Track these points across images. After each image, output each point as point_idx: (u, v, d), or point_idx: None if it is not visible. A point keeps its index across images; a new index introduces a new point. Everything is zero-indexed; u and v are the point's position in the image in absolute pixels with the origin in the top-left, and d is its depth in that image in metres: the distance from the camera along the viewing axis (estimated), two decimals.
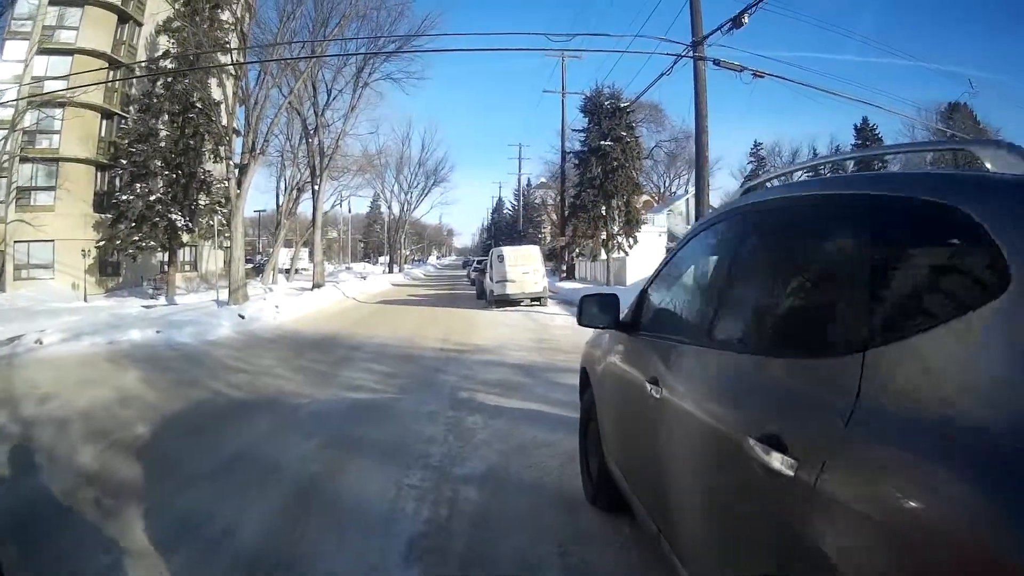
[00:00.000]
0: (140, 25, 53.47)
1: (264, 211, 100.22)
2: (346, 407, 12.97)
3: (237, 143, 42.70)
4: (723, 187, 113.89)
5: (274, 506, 7.59)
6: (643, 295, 6.37)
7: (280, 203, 70.88)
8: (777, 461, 2.89)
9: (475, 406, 12.74)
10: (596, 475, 7.30)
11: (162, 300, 43.27)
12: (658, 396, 4.71)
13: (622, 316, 6.51)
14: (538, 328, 27.61)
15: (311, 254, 63.05)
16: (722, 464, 3.60)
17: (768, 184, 4.91)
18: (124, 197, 45.88)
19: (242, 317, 28.92)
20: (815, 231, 3.60)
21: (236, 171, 39.92)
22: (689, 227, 5.66)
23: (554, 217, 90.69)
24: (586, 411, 8.02)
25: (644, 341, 5.82)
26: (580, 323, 6.71)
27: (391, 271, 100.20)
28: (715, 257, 4.83)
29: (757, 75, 26.59)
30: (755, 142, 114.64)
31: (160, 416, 12.35)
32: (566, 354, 18.99)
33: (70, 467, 9.23)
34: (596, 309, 6.60)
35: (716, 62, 26.95)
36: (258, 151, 40.79)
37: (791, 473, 2.79)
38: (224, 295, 38.80)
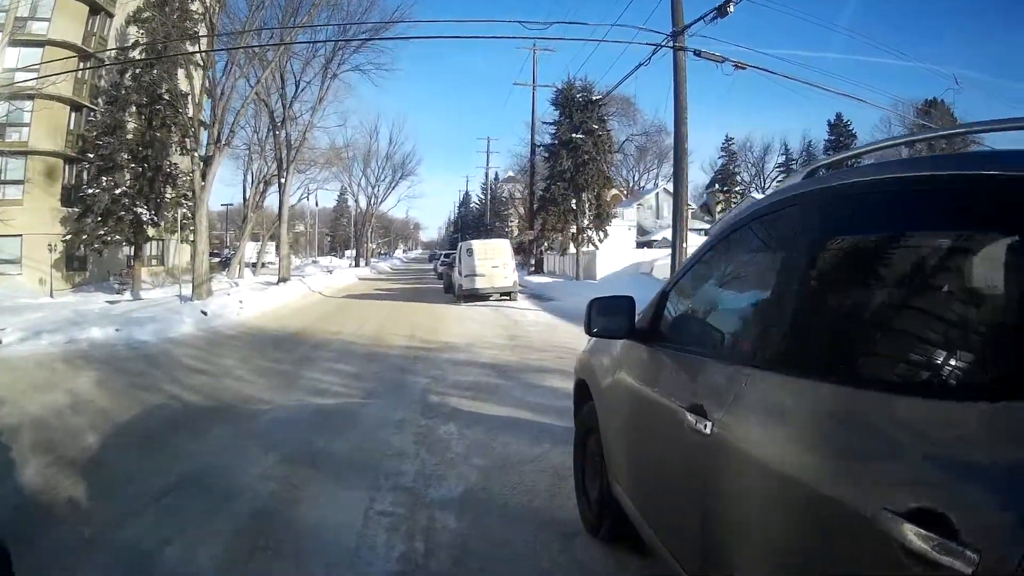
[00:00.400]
0: (111, 16, 52.20)
1: (231, 205, 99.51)
2: (309, 414, 12.00)
3: (204, 136, 41.92)
4: (693, 181, 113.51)
5: (226, 540, 6.58)
6: (663, 298, 5.38)
7: (247, 196, 69.98)
8: (935, 547, 2.04)
9: (448, 412, 11.82)
10: (597, 502, 6.33)
11: (127, 295, 42.16)
12: (706, 431, 3.68)
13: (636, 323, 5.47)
14: (509, 324, 26.76)
15: (277, 248, 62.03)
16: (830, 538, 2.61)
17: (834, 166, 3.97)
18: (90, 191, 44.65)
19: (205, 313, 27.93)
20: (958, 221, 2.63)
21: (201, 163, 38.74)
22: (723, 219, 4.41)
23: (522, 211, 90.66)
24: (584, 428, 7.07)
25: (674, 356, 4.81)
26: (589, 332, 5.66)
27: (357, 265, 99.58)
28: (784, 254, 3.73)
29: (739, 67, 26.08)
30: (727, 136, 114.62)
31: (113, 425, 11.28)
32: (540, 352, 18.47)
33: (8, 487, 8.25)
34: (609, 315, 5.50)
35: (697, 52, 26.44)
36: (223, 142, 39.62)
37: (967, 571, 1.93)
38: (189, 290, 37.64)
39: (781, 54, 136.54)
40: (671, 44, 26.87)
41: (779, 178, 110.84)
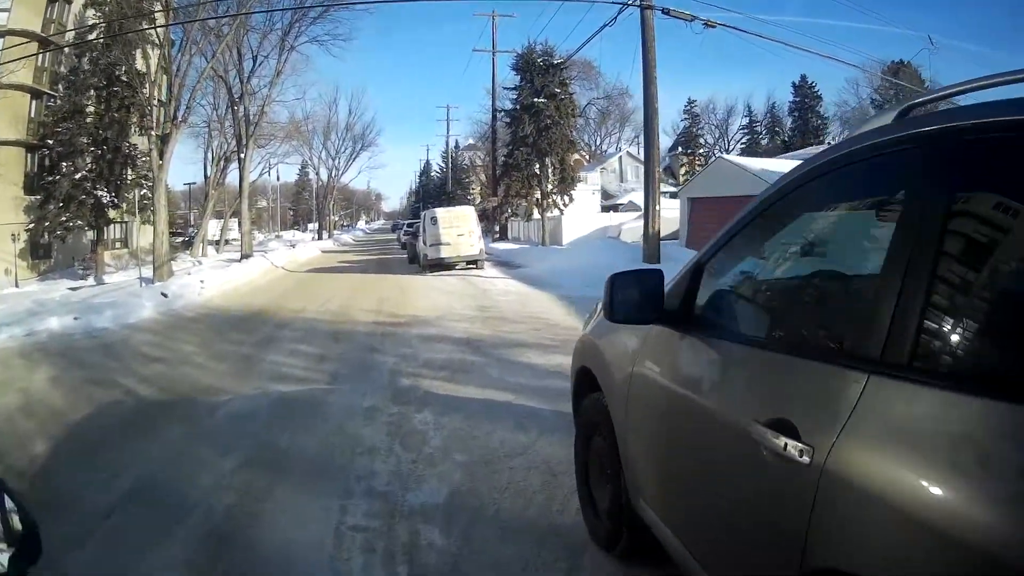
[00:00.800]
0: (69, 3, 51.01)
1: (194, 184, 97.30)
2: (271, 404, 10.99)
3: (162, 115, 40.71)
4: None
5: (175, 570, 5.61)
6: (697, 273, 4.22)
7: (208, 174, 68.87)
8: None
9: (421, 397, 10.84)
10: (610, 514, 5.27)
11: (91, 280, 41.14)
12: (802, 459, 2.58)
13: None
14: (478, 294, 25.84)
15: (240, 224, 60.50)
16: None
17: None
18: (51, 177, 43.96)
19: (165, 296, 26.81)
20: None
21: (158, 142, 37.53)
22: (798, 164, 3.10)
23: (483, 178, 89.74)
24: (588, 425, 5.89)
25: (730, 350, 3.67)
26: (613, 317, 4.34)
27: (320, 238, 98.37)
28: (904, 216, 2.64)
29: (708, 25, 25.38)
30: (689, 99, 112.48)
31: (63, 429, 10.20)
32: (514, 324, 17.68)
33: None
34: (637, 294, 4.23)
35: (665, 11, 25.64)
36: (180, 120, 38.67)
37: None
38: (151, 272, 36.42)
39: (750, 13, 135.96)
40: (638, 3, 26.05)
41: (743, 140, 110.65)
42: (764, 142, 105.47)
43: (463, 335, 16.54)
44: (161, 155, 37.67)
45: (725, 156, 47.50)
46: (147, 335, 19.82)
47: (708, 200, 41.56)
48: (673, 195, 55.09)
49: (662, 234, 29.63)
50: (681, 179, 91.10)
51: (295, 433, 9.31)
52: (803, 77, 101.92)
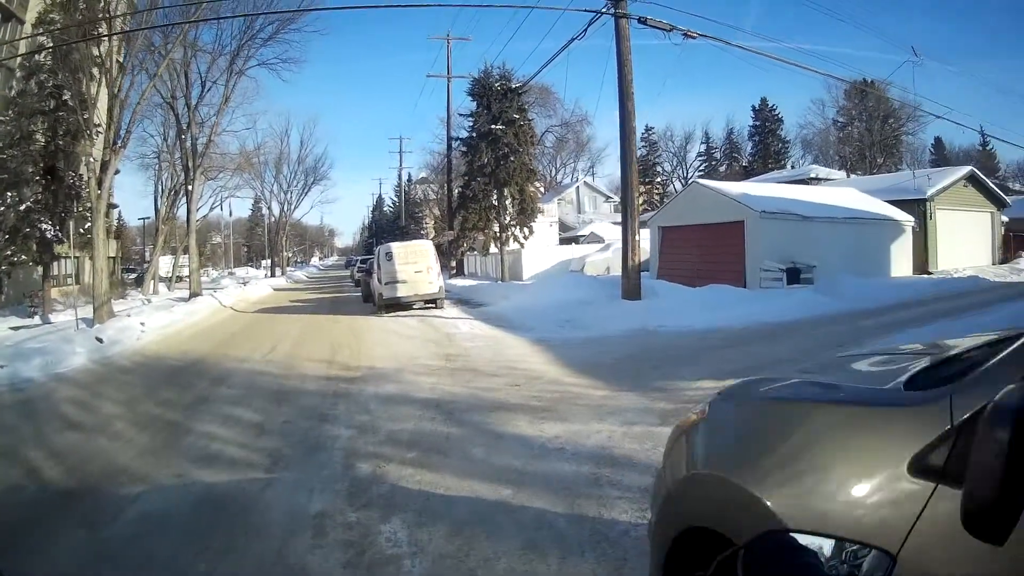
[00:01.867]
0: (22, 23, 49.57)
1: (148, 219, 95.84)
2: (191, 505, 8.26)
3: (104, 141, 38.36)
4: (610, 174, 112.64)
5: None
6: None
7: (158, 208, 66.93)
8: None
9: (387, 495, 8.18)
10: None
11: (37, 319, 38.87)
12: None
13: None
14: (441, 339, 23.12)
15: (189, 261, 58.11)
16: None
17: None
18: None
19: (100, 340, 24.01)
20: None
21: (96, 169, 34.89)
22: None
23: (437, 212, 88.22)
24: None
25: None
26: None
27: (273, 275, 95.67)
28: None
29: (688, 36, 23.16)
30: (646, 126, 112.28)
31: None
32: (489, 378, 15.14)
33: None
34: None
35: (642, 20, 23.33)
36: (119, 145, 36.05)
37: None
38: (92, 312, 33.61)
39: (727, 23, 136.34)
40: (612, 11, 23.88)
41: (701, 167, 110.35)
42: (722, 168, 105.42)
43: (431, 395, 13.91)
44: (100, 184, 34.76)
45: (702, 181, 45.53)
46: (73, 389, 17.25)
47: (682, 229, 39.71)
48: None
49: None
50: (639, 208, 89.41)
51: (217, 560, 6.64)
52: (763, 100, 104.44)
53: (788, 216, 34.17)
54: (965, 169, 47.20)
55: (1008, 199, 50.04)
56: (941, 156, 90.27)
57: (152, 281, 61.83)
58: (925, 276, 38.48)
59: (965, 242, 44.30)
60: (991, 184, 48.86)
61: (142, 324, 28.51)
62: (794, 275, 31.68)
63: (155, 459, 10.38)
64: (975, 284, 33.28)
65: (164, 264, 76.99)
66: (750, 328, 21.30)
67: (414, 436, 10.82)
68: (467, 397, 13.53)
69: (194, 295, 48.47)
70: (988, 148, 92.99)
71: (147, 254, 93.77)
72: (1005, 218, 48.94)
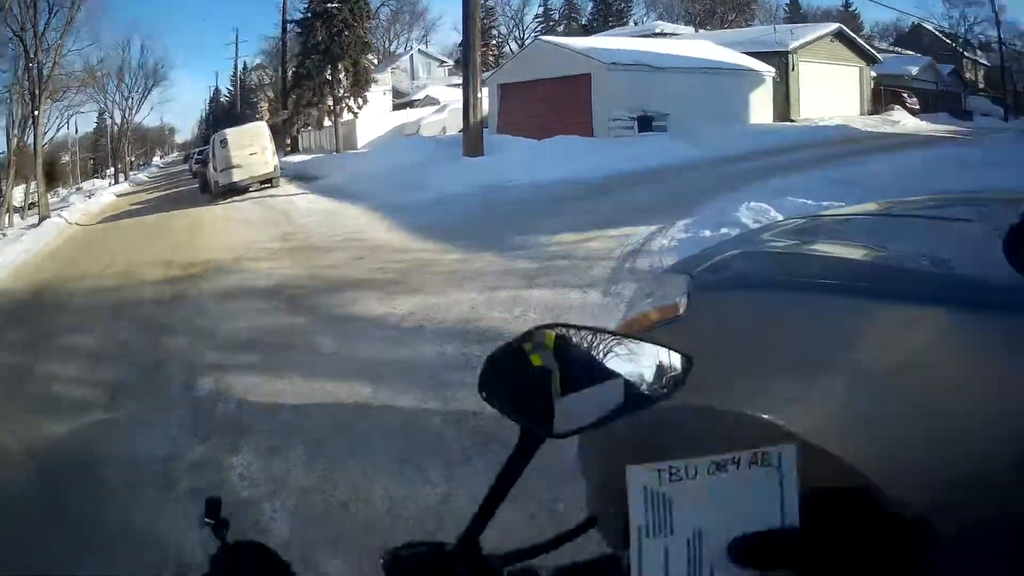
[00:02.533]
0: None
1: (2, 153, 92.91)
2: (30, 468, 6.98)
3: None
4: (446, 41, 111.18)
5: None
6: None
7: (10, 139, 63.35)
8: None
9: (234, 416, 7.14)
10: None
11: None
12: None
13: None
14: (278, 217, 22.44)
15: (38, 186, 56.72)
16: None
17: None
18: None
19: None
20: None
21: None
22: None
23: (271, 95, 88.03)
24: None
25: None
26: None
27: (117, 182, 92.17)
28: None
29: None
30: None
31: None
32: (330, 254, 14.48)
33: None
34: None
35: None
36: None
37: None
38: None
39: None
40: None
41: (538, 29, 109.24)
42: (560, 29, 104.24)
43: (271, 281, 13.07)
44: None
45: (545, 37, 44.91)
46: None
47: (522, 85, 38.55)
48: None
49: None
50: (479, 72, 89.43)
51: (59, 540, 5.35)
52: None
53: (639, 67, 33.70)
54: (833, 26, 47.66)
55: (879, 56, 50.73)
56: (797, 15, 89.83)
57: (7, 213, 58.74)
58: (788, 124, 38.43)
59: (832, 94, 44.57)
60: (861, 41, 49.55)
61: None
62: (646, 123, 31.30)
63: None
64: (842, 133, 33.16)
65: (19, 194, 73.64)
66: (604, 177, 20.68)
67: (255, 334, 9.88)
68: (308, 279, 12.75)
69: (43, 218, 45.92)
70: (851, 9, 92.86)
71: (2, 188, 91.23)
72: (874, 73, 49.54)
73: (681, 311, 2.69)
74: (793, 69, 41.77)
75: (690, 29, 65.39)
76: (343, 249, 14.81)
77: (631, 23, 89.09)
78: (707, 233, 10.42)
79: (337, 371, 7.72)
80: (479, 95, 25.96)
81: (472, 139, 25.81)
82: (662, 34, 55.93)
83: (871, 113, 46.22)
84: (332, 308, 10.33)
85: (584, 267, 10.38)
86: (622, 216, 13.81)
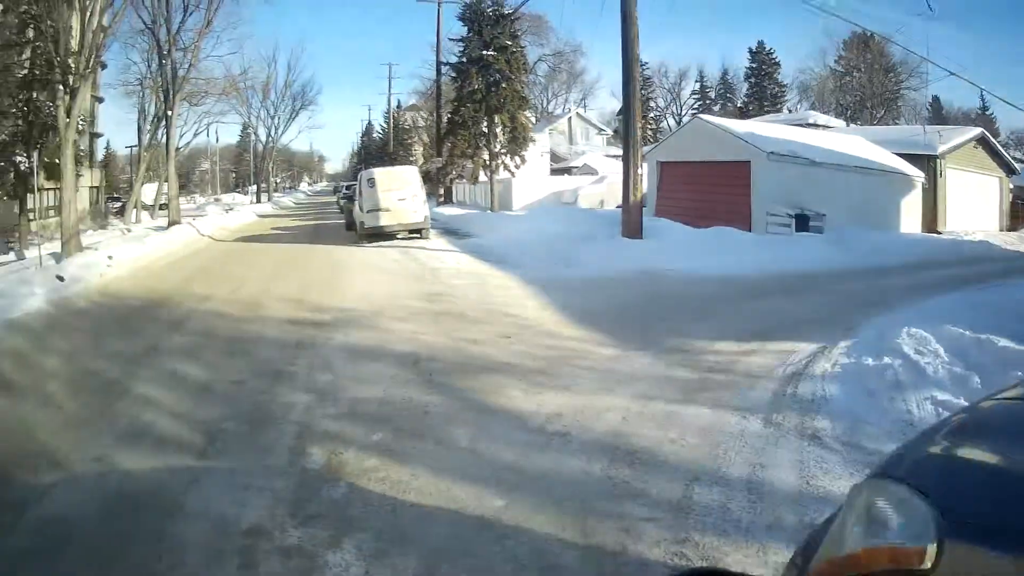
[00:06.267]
0: None
1: (136, 147, 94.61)
2: (100, 507, 6.47)
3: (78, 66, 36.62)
4: (602, 107, 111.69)
5: None
6: None
7: (141, 135, 66.34)
8: None
9: (343, 502, 6.36)
10: None
11: (12, 256, 36.76)
12: None
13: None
14: (424, 273, 21.50)
15: (169, 188, 56.65)
16: None
17: None
18: None
19: (61, 279, 21.76)
20: None
21: (65, 96, 33.18)
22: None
23: (426, 139, 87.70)
24: None
25: None
26: None
27: (259, 201, 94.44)
28: None
29: None
30: (641, 61, 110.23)
31: None
32: (477, 326, 13.41)
33: None
34: None
35: None
36: (88, 69, 34.20)
37: None
38: (60, 246, 31.93)
39: None
40: None
41: (695, 106, 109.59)
42: (716, 108, 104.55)
43: (408, 347, 12.07)
44: (68, 113, 32.89)
45: (704, 116, 43.81)
46: (18, 339, 15.23)
47: (682, 165, 37.44)
48: (621, 157, 53.29)
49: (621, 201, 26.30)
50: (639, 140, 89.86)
51: None
52: (760, 43, 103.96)
53: (797, 159, 32.27)
54: (976, 130, 44.90)
55: (1017, 167, 48.21)
56: (938, 115, 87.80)
57: (135, 210, 60.63)
58: (934, 235, 36.52)
59: (973, 205, 42.20)
60: (1001, 149, 47.04)
61: (109, 258, 26.54)
62: (803, 222, 30.07)
63: (78, 435, 8.61)
64: (988, 250, 31.21)
65: (150, 192, 75.90)
66: (763, 277, 19.60)
67: (384, 408, 8.97)
68: (450, 352, 11.76)
69: (173, 223, 46.56)
70: (988, 113, 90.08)
71: (134, 183, 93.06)
72: (1011, 185, 47.09)
73: (928, 563, 1.97)
74: (941, 175, 39.94)
75: (841, 122, 63.98)
76: (490, 323, 14.06)
77: (785, 110, 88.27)
78: (870, 361, 9.55)
79: (469, 472, 6.92)
80: (639, 172, 25.01)
81: (631, 219, 24.92)
82: (815, 125, 54.64)
83: (1009, 229, 43.81)
84: (473, 393, 9.50)
85: (745, 386, 9.50)
86: (781, 327, 12.96)
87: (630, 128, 25.69)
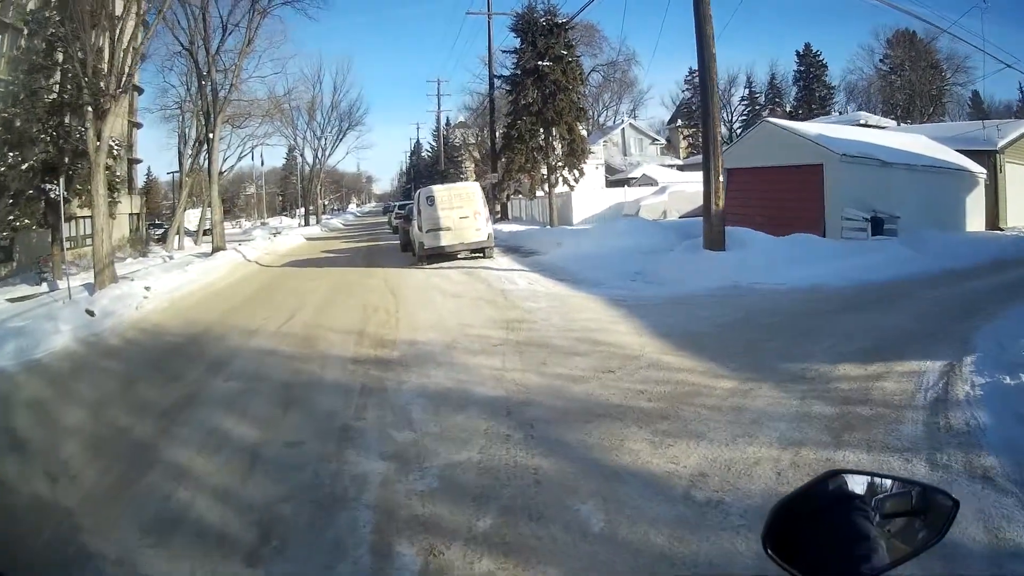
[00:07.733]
0: None
1: (178, 172, 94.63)
2: None
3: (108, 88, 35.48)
4: (652, 116, 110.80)
5: None
6: None
7: (182, 160, 65.62)
8: None
9: None
10: None
11: (44, 287, 35.58)
12: None
13: None
14: (496, 297, 19.49)
15: (212, 213, 55.84)
16: None
17: None
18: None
19: (91, 314, 20.53)
20: None
21: (95, 119, 31.70)
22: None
23: (477, 156, 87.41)
24: None
25: None
26: None
27: (307, 224, 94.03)
28: None
29: None
30: (690, 69, 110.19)
31: None
32: (569, 358, 11.65)
33: None
34: None
35: None
36: (119, 91, 32.82)
37: None
38: (92, 277, 30.13)
39: None
40: None
41: (744, 112, 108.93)
42: (765, 113, 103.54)
43: (497, 390, 10.24)
44: (99, 135, 31.46)
45: (772, 120, 42.24)
46: (39, 382, 13.97)
47: (751, 171, 35.79)
48: (681, 167, 55.33)
49: (685, 211, 24.57)
50: (683, 152, 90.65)
51: None
52: (807, 46, 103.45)
53: (868, 160, 31.16)
54: None
55: None
56: (979, 110, 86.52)
57: (177, 236, 60.11)
58: (998, 232, 35.29)
59: None
60: None
61: (146, 289, 25.30)
62: (878, 226, 28.54)
63: (95, 521, 6.93)
64: None
65: (193, 218, 75.54)
66: (851, 288, 18.27)
67: (484, 478, 7.10)
68: (547, 393, 9.91)
69: (217, 249, 45.81)
70: None
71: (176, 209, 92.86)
72: None
73: None
74: (1001, 171, 38.15)
75: (891, 122, 62.45)
76: (585, 353, 12.21)
77: (834, 112, 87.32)
78: (1007, 380, 8.98)
79: (616, 571, 5.17)
80: (721, 179, 23.53)
81: (713, 229, 23.28)
82: (866, 125, 53.16)
83: None
84: (591, 450, 7.65)
85: (891, 419, 8.17)
86: (894, 344, 11.67)
87: (710, 133, 24.18)
